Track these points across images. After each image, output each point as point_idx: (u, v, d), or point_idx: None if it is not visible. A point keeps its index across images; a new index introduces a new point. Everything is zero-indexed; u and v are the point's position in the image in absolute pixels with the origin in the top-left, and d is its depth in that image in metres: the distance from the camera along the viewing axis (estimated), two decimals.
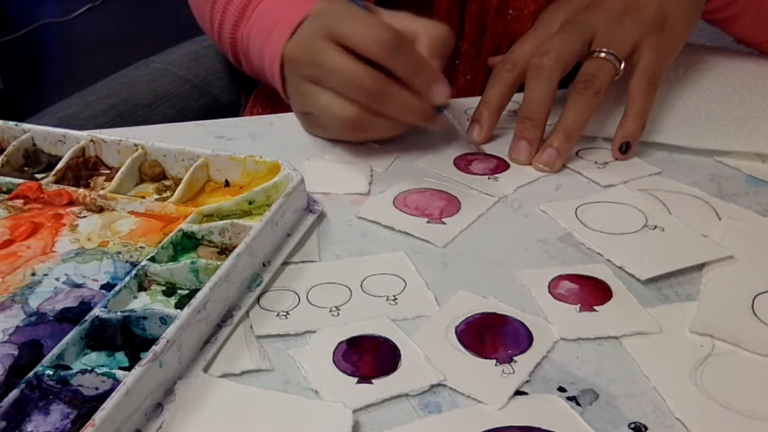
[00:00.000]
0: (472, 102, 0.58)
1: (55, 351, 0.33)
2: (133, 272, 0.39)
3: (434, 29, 0.51)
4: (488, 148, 0.56)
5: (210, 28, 0.71)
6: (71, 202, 0.46)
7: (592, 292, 0.40)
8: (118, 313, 0.35)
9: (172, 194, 0.46)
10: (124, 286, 0.38)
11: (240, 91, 0.83)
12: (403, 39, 0.48)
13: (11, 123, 0.52)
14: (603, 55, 0.53)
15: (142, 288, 0.39)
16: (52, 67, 2.58)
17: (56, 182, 0.48)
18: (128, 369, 0.31)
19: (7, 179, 0.48)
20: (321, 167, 0.53)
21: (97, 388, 0.32)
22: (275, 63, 0.54)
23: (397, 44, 0.47)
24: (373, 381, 0.34)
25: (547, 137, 0.53)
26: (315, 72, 0.50)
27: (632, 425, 0.32)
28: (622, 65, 0.53)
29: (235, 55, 0.70)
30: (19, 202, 0.46)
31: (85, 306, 0.37)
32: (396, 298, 0.40)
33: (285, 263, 0.42)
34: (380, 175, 0.52)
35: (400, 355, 0.35)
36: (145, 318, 0.35)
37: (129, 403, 0.30)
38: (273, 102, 0.73)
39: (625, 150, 0.53)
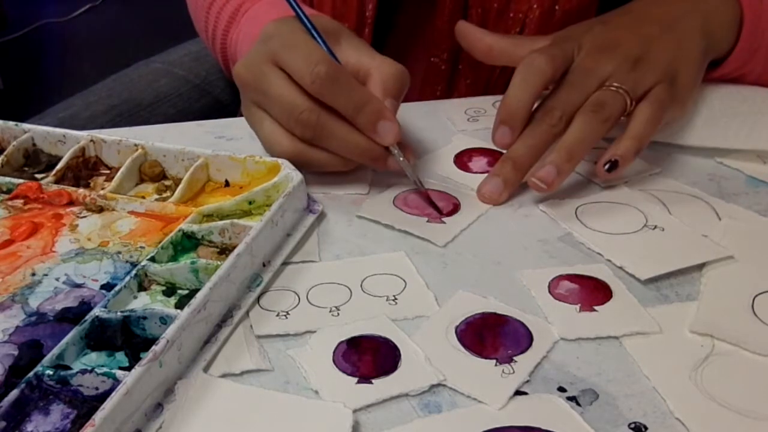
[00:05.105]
0: (473, 102, 0.58)
1: (55, 351, 0.33)
2: (133, 272, 0.39)
3: (387, 67, 0.48)
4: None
5: (205, 33, 0.72)
6: (71, 202, 0.46)
7: (592, 292, 0.40)
8: (118, 313, 0.35)
9: (172, 194, 0.46)
10: (124, 286, 0.38)
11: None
12: (341, 74, 0.45)
13: (11, 123, 0.52)
14: (614, 88, 0.49)
15: (142, 288, 0.39)
16: (52, 67, 2.58)
17: (56, 182, 0.48)
18: (128, 369, 0.31)
19: (7, 179, 0.48)
20: None
21: (97, 388, 0.32)
22: None
23: (333, 78, 0.44)
24: (373, 381, 0.34)
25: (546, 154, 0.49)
26: (259, 97, 0.48)
27: (632, 425, 0.32)
28: (633, 104, 0.49)
29: (225, 60, 0.69)
30: (19, 202, 0.46)
31: (85, 306, 0.37)
32: (396, 298, 0.40)
33: (285, 263, 0.42)
34: (380, 175, 0.52)
35: (400, 355, 0.35)
36: (145, 318, 0.35)
37: (129, 403, 0.30)
38: None
39: (610, 168, 0.48)
